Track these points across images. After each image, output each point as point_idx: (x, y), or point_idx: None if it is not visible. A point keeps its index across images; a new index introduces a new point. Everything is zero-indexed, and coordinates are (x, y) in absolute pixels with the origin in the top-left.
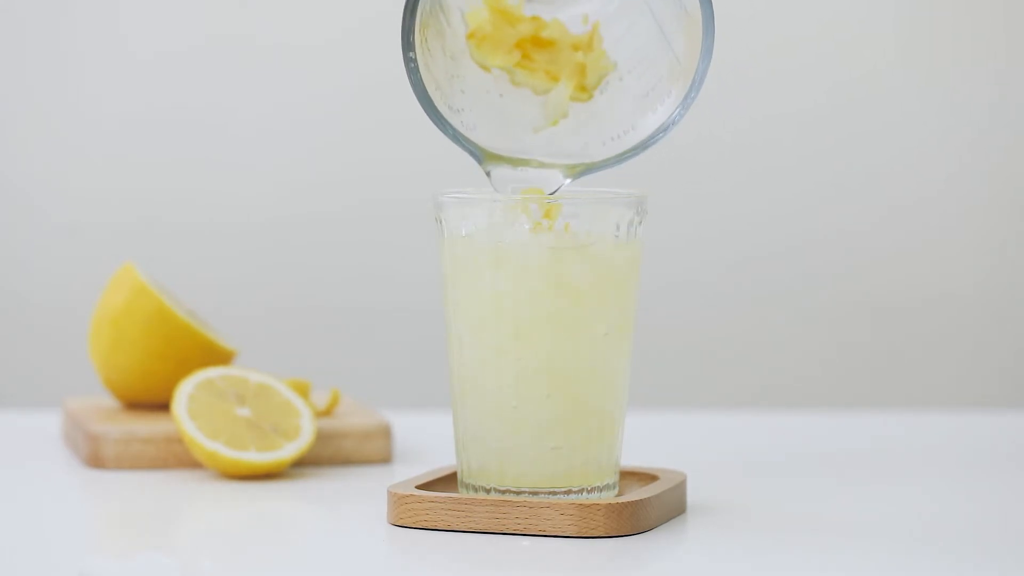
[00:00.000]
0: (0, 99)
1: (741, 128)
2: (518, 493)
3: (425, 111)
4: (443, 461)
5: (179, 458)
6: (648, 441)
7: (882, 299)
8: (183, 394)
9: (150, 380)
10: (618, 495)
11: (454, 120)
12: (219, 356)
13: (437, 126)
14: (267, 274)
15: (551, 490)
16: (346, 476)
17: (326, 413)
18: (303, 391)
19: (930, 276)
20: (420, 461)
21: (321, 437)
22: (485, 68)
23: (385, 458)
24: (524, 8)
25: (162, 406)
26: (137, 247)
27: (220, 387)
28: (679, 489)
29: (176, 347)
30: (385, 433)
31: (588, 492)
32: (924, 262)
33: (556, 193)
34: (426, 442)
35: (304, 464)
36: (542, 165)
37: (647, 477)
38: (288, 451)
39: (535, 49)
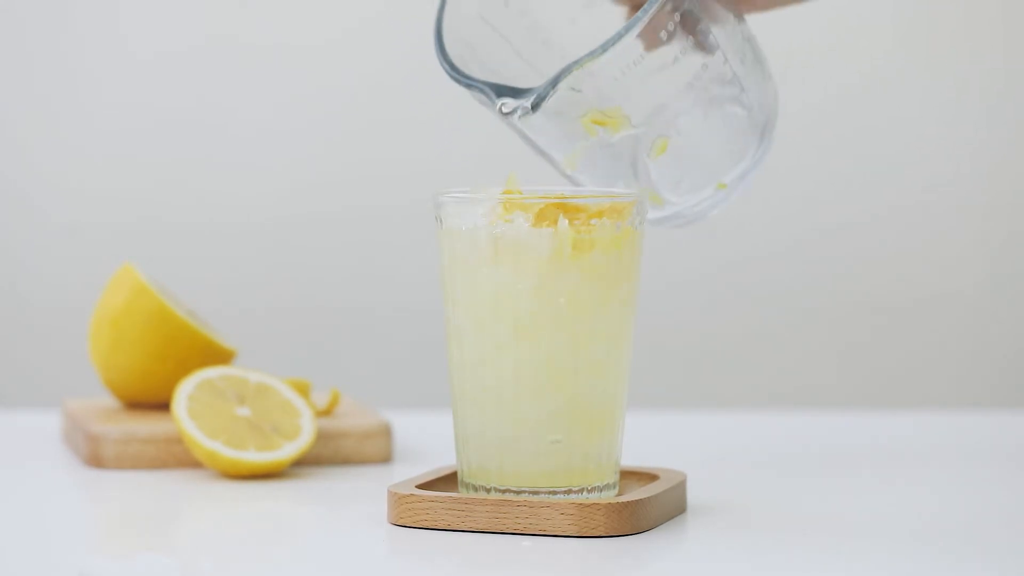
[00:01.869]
0: (1, 99)
1: None
2: (518, 493)
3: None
4: (443, 461)
5: (179, 458)
6: (648, 441)
7: (882, 299)
8: (183, 394)
9: (150, 380)
10: (618, 495)
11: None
12: (219, 356)
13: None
14: (267, 274)
15: (551, 490)
16: (346, 476)
17: (326, 413)
18: (303, 391)
19: (930, 276)
20: (420, 461)
21: (321, 437)
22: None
23: (385, 458)
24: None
25: (162, 406)
26: (137, 247)
27: (220, 387)
28: (679, 489)
29: (176, 347)
30: (385, 433)
31: (588, 492)
32: (924, 262)
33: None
34: (426, 442)
35: (304, 464)
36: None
37: (647, 477)
38: (288, 451)
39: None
